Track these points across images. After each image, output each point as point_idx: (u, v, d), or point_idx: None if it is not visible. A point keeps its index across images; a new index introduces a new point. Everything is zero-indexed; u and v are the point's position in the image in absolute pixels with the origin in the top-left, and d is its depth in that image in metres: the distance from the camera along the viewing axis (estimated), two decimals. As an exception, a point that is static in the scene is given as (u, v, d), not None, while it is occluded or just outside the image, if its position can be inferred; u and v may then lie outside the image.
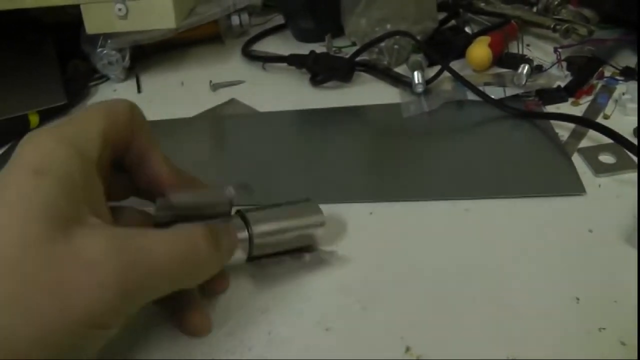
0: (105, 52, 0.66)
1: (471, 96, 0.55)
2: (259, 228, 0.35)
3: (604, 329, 0.30)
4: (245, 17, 0.76)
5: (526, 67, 0.55)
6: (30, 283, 0.24)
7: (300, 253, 0.37)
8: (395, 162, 0.48)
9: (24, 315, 0.23)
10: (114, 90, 0.67)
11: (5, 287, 0.23)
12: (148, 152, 0.33)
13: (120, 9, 0.60)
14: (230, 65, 0.70)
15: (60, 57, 0.67)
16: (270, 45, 0.75)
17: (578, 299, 0.32)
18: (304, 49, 0.65)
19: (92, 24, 0.62)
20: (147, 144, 0.33)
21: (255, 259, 0.36)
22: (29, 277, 0.24)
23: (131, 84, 0.68)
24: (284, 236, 0.36)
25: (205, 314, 0.33)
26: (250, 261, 0.36)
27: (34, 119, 0.59)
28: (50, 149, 0.27)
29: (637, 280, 0.33)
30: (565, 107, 0.53)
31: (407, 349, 0.31)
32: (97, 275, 0.25)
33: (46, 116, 0.60)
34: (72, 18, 0.64)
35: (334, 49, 0.69)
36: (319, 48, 0.66)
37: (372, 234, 0.39)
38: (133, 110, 0.32)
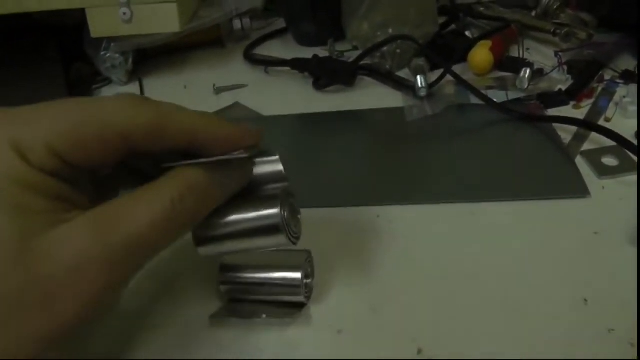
0: (108, 55, 0.66)
1: (473, 100, 0.55)
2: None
3: (613, 330, 0.31)
4: (247, 21, 0.76)
5: (528, 71, 0.55)
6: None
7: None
8: (401, 166, 0.48)
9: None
10: (117, 93, 0.67)
11: None
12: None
13: (125, 13, 0.61)
14: (232, 69, 0.70)
15: (63, 60, 0.67)
16: (272, 49, 0.75)
17: (586, 300, 0.33)
18: (305, 53, 0.66)
19: (97, 27, 0.62)
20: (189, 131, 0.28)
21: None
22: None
23: (134, 87, 0.68)
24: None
25: None
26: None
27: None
28: None
29: (637, 279, 0.33)
30: (566, 111, 0.53)
31: (419, 351, 0.31)
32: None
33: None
34: (76, 21, 0.64)
35: (336, 52, 0.69)
36: (321, 52, 0.66)
37: (380, 236, 0.40)
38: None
